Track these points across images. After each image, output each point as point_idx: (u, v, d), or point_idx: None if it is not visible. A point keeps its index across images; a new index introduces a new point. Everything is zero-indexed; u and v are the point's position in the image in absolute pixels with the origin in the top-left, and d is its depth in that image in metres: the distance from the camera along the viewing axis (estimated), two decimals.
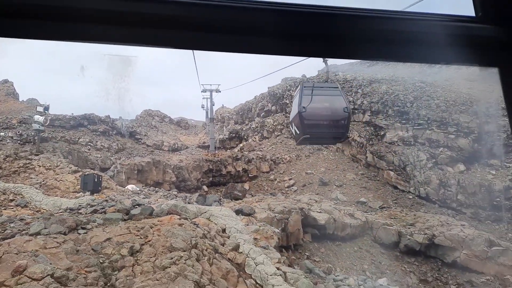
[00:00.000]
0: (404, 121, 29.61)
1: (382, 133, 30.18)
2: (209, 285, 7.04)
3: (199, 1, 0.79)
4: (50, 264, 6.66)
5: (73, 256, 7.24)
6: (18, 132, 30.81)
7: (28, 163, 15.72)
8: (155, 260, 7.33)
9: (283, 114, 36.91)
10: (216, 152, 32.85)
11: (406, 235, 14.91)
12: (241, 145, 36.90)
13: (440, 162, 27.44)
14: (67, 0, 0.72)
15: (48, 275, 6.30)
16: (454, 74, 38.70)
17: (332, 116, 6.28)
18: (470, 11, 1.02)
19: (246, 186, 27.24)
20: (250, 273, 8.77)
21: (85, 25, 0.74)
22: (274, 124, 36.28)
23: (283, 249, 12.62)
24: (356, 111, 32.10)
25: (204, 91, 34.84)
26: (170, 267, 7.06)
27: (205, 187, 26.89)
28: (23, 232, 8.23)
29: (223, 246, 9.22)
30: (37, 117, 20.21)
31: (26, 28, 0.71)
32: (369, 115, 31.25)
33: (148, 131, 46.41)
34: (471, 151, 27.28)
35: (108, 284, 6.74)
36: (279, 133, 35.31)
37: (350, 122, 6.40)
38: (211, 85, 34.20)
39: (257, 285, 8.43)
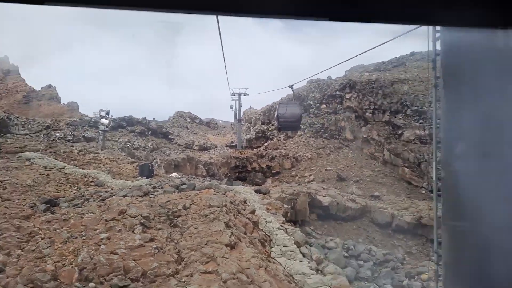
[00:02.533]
0: (421, 120, 33.09)
1: (400, 132, 33.81)
2: (233, 226, 11.85)
3: None
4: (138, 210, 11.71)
5: (149, 208, 12.27)
6: (71, 133, 37.43)
7: (96, 156, 21.37)
8: (199, 212, 12.24)
9: (307, 115, 41.24)
10: (243, 150, 37.84)
11: (397, 216, 18.99)
12: (266, 144, 41.64)
13: None
14: None
15: (139, 215, 11.32)
16: None
17: (292, 117, 12.81)
18: None
19: (269, 181, 31.92)
20: (262, 228, 13.52)
21: None
22: None
23: (292, 223, 17.19)
24: (376, 111, 35.90)
25: (233, 94, 40.00)
26: (209, 215, 11.93)
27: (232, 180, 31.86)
28: (113, 196, 13.45)
29: (244, 210, 14.01)
30: (103, 121, 26.09)
31: None
32: (388, 115, 34.95)
33: (180, 131, 52.28)
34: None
35: (173, 223, 11.70)
36: (302, 133, 39.69)
37: (301, 119, 13.34)
38: (239, 89, 39.33)
39: (266, 235, 13.15)
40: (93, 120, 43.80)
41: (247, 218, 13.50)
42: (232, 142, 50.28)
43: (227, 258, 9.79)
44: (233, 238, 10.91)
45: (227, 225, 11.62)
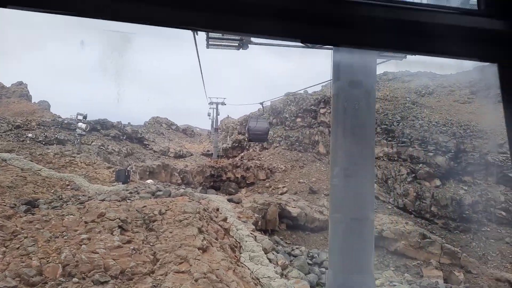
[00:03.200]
0: (390, 139, 35.37)
1: None
2: (206, 232, 13.02)
3: None
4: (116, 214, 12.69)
5: (127, 212, 13.26)
6: (43, 134, 37.42)
7: (72, 160, 21.97)
8: (174, 217, 13.34)
9: (283, 127, 42.98)
10: (218, 159, 38.98)
11: None
12: (242, 154, 42.95)
13: (419, 177, 33.03)
14: None
15: (118, 218, 12.31)
16: (446, 96, 44.47)
17: (261, 130, 14.96)
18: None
19: (244, 191, 33.13)
20: (232, 235, 14.73)
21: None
22: (274, 136, 42.27)
23: (262, 232, 18.47)
24: None
25: (211, 103, 41.21)
26: (183, 220, 13.06)
27: (206, 189, 32.84)
28: (92, 199, 14.34)
29: (216, 217, 15.20)
30: (80, 125, 26.71)
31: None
32: None
33: (155, 137, 52.78)
34: (447, 168, 32.83)
35: (149, 227, 12.74)
36: (277, 145, 41.29)
37: (269, 132, 15.90)
38: (217, 98, 40.61)
39: (236, 241, 14.38)
40: (66, 122, 43.78)
41: (219, 225, 14.70)
42: (208, 151, 51.24)
43: (199, 259, 10.95)
44: (205, 242, 12.09)
45: (200, 231, 12.78)
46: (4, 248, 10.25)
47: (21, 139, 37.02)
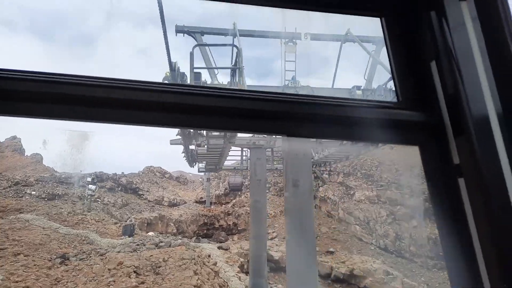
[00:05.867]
0: (369, 182, 40.83)
1: (352, 192, 41.31)
2: (200, 274, 18.09)
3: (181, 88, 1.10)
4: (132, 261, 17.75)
5: (138, 260, 18.32)
6: (46, 191, 42.51)
7: (84, 217, 26.98)
8: (175, 263, 18.42)
9: (271, 174, 48.41)
10: (211, 207, 44.08)
11: (335, 268, 25.56)
12: (234, 201, 48.06)
13: (397, 218, 38.15)
14: (65, 88, 0.97)
15: (132, 265, 17.35)
16: None
17: (237, 183, 22.25)
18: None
19: (236, 237, 37.94)
20: (221, 276, 19.76)
21: (79, 107, 1.01)
22: None
23: (248, 274, 23.35)
24: (331, 173, 43.50)
25: None
26: (182, 265, 18.14)
27: (200, 238, 37.60)
28: (109, 251, 19.41)
29: (208, 262, 20.26)
30: (90, 186, 32.09)
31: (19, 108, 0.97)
32: (342, 177, 42.57)
33: (149, 187, 57.87)
34: (422, 209, 38.02)
35: (156, 272, 17.77)
36: (267, 191, 46.51)
37: (243, 185, 23.04)
38: None
39: (224, 281, 19.38)
40: (63, 176, 49.07)
41: (210, 268, 19.74)
42: (201, 198, 56.16)
43: None
44: (199, 281, 17.12)
45: (195, 273, 17.83)
46: None
47: (20, 195, 41.97)
